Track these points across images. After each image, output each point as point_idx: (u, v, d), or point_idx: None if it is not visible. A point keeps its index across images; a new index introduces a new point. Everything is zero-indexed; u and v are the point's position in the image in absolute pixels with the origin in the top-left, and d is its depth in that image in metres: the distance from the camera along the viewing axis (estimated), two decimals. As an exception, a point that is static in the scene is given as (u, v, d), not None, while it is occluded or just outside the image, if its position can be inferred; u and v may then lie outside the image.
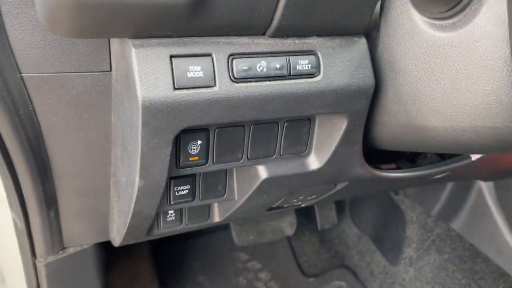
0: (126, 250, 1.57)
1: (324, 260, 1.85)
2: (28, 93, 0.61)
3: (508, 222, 1.39)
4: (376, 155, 0.89)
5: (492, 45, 0.51)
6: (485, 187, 1.42)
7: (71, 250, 0.91)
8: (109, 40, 0.60)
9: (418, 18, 0.58)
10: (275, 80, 0.58)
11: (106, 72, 0.62)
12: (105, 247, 1.01)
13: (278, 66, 0.57)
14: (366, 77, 0.62)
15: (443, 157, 0.97)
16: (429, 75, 0.58)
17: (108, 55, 0.61)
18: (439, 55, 0.56)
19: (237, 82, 0.56)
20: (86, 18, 0.45)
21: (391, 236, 1.69)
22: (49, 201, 0.77)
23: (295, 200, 0.94)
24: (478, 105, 0.54)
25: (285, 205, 0.99)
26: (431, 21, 0.57)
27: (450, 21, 0.55)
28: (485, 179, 1.37)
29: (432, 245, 1.56)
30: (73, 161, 0.72)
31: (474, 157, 0.85)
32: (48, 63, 0.59)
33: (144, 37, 0.52)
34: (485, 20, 0.51)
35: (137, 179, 0.60)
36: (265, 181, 0.71)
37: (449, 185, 1.52)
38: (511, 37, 0.50)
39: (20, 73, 0.59)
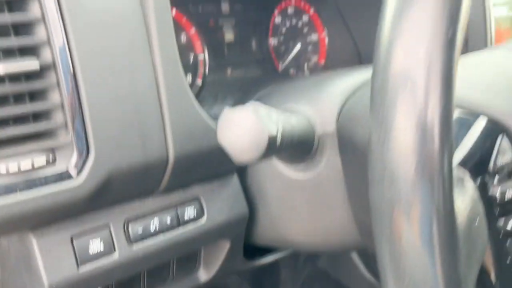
0: None
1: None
2: None
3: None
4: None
5: (333, 187, 0.67)
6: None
7: None
8: None
9: (277, 163, 0.71)
10: (167, 231, 0.66)
11: None
12: None
13: (169, 220, 0.65)
14: (241, 209, 0.74)
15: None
16: (290, 207, 0.71)
17: None
18: (297, 191, 0.70)
19: (135, 242, 0.62)
20: None
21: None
22: None
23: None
24: (329, 231, 0.70)
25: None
26: (289, 164, 0.70)
27: (302, 164, 0.69)
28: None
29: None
30: None
31: None
32: None
33: (44, 226, 0.56)
34: (326, 168, 0.67)
35: None
36: None
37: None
38: (346, 181, 0.66)
39: None
